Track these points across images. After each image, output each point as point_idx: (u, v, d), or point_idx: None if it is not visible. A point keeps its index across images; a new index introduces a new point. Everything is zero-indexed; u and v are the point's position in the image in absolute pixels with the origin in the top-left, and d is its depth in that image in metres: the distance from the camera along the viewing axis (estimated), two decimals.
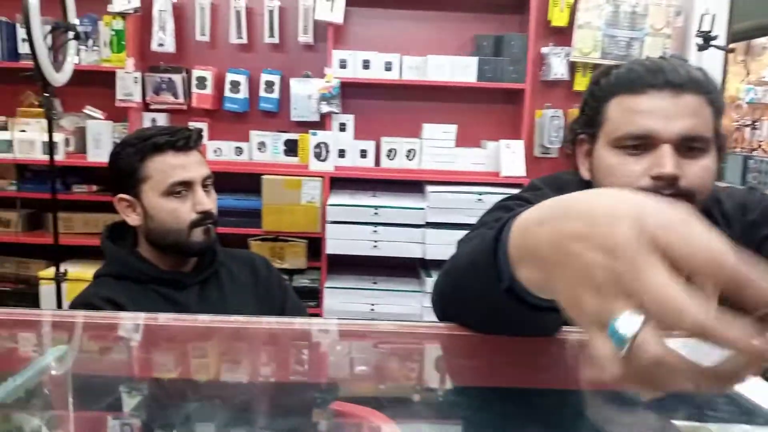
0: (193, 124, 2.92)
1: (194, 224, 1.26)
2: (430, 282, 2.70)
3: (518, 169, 2.83)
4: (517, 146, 2.88)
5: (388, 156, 2.94)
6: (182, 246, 1.28)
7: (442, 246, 2.67)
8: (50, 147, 2.36)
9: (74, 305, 1.27)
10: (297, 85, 2.96)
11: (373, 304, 2.71)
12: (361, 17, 2.99)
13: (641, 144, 0.90)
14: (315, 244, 2.81)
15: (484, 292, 0.59)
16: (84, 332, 0.85)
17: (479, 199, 2.67)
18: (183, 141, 1.26)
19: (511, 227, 0.49)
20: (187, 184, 1.26)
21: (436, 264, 2.78)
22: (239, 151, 2.97)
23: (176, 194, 1.25)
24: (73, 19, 2.49)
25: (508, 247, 0.49)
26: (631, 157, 0.91)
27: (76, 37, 2.41)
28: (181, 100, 2.96)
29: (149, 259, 1.31)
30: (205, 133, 2.97)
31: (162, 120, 2.99)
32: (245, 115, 3.04)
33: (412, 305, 2.72)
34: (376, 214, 2.66)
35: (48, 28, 2.31)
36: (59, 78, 2.37)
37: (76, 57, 2.58)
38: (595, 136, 0.97)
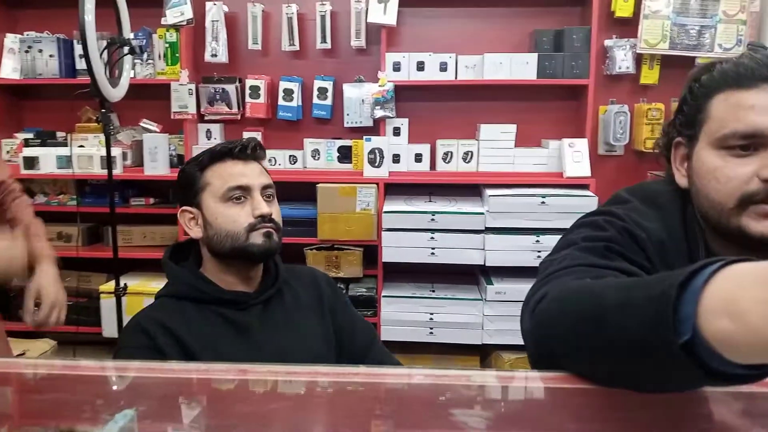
0: (247, 134, 2.93)
1: (252, 227, 1.23)
2: (491, 289, 2.59)
3: (583, 169, 2.69)
4: (581, 145, 2.73)
5: (444, 159, 2.84)
6: (241, 250, 1.23)
7: (504, 252, 2.56)
8: (108, 162, 2.37)
9: (128, 327, 1.23)
10: (350, 90, 2.91)
11: (432, 313, 2.62)
12: (414, 17, 2.91)
13: (750, 144, 0.78)
14: (371, 252, 2.74)
15: (638, 338, 0.52)
16: (146, 387, 0.75)
17: (542, 202, 2.54)
18: (240, 148, 1.25)
19: (705, 277, 0.46)
20: (246, 189, 1.24)
21: (497, 270, 2.67)
22: (293, 159, 2.94)
23: (235, 199, 1.23)
24: (128, 33, 2.51)
25: (702, 298, 0.46)
26: (738, 158, 0.79)
27: (132, 51, 2.42)
28: (235, 110, 2.95)
29: (212, 279, 1.27)
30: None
31: (216, 130, 2.99)
32: (298, 122, 3.00)
33: (472, 314, 2.61)
34: (433, 220, 2.56)
35: (104, 43, 2.33)
36: (116, 93, 2.38)
37: (131, 71, 2.59)
38: (695, 138, 0.85)
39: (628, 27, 2.86)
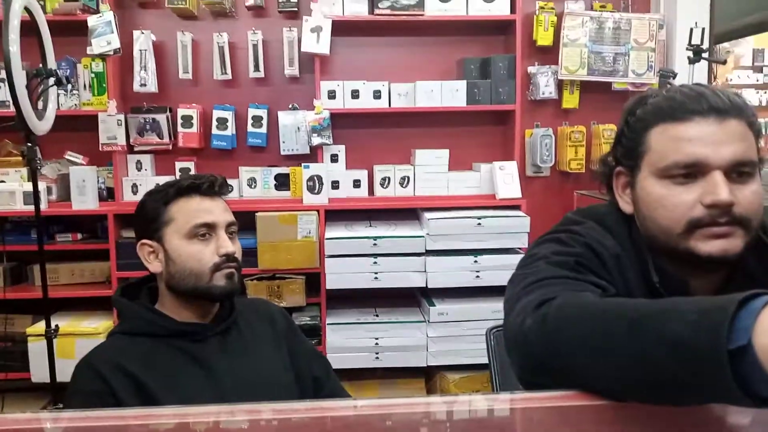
0: (180, 164, 2.88)
1: (217, 267, 1.23)
2: (433, 311, 2.64)
3: (514, 190, 2.80)
4: (511, 167, 2.86)
5: (382, 184, 2.89)
6: (203, 291, 1.23)
7: (444, 273, 2.62)
8: (35, 197, 2.26)
9: (79, 369, 1.18)
10: (285, 118, 2.91)
11: (377, 338, 2.64)
12: (347, 47, 2.96)
13: (690, 172, 0.86)
14: (313, 280, 2.74)
15: (680, 341, 0.57)
16: None
17: (479, 224, 2.63)
18: (207, 185, 1.25)
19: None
20: (211, 227, 1.24)
21: (438, 292, 2.72)
22: (230, 189, 2.89)
23: (200, 236, 1.23)
24: (52, 63, 2.42)
25: (762, 315, 0.52)
26: (680, 186, 0.87)
27: (58, 83, 2.33)
28: (166, 140, 2.88)
29: (167, 313, 1.25)
30: (193, 172, 2.90)
31: (147, 161, 2.91)
32: (233, 151, 2.97)
33: (416, 336, 2.65)
34: (375, 245, 2.59)
35: (28, 75, 2.24)
36: (42, 126, 2.28)
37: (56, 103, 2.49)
38: (636, 168, 0.93)
39: (549, 55, 3.03)
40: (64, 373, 2.42)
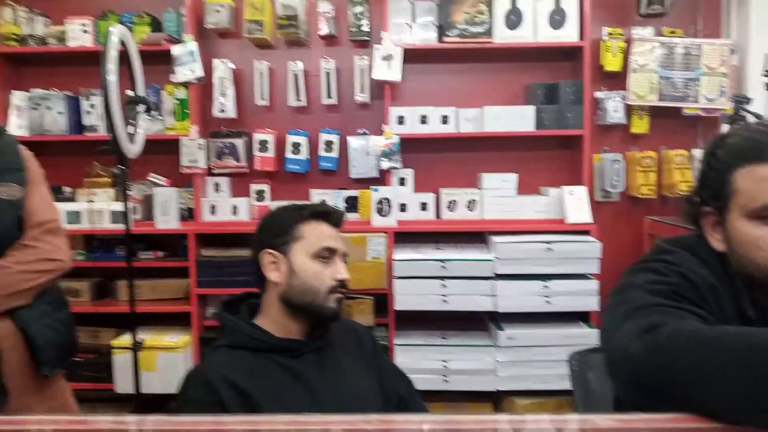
0: (255, 186, 3.00)
1: (332, 290, 1.33)
2: (502, 335, 2.65)
3: (584, 215, 2.80)
4: (581, 192, 2.85)
5: (449, 208, 2.93)
6: (316, 308, 1.32)
7: (513, 298, 2.62)
8: (125, 217, 2.40)
9: (190, 380, 1.26)
10: (355, 143, 3.00)
11: (445, 361, 2.66)
12: (415, 73, 3.04)
13: None
14: (381, 301, 2.79)
15: None
16: None
17: (548, 248, 2.63)
18: (337, 216, 1.38)
19: None
20: (333, 252, 1.34)
21: (507, 316, 2.72)
22: None
23: (322, 258, 1.33)
24: (142, 91, 2.58)
25: None
26: None
27: (148, 109, 2.48)
28: (243, 163, 3.01)
29: (267, 326, 1.34)
30: (267, 194, 3.01)
31: (225, 183, 3.04)
32: (305, 174, 3.07)
33: (485, 360, 2.66)
34: (443, 267, 2.63)
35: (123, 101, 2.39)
36: (133, 150, 2.43)
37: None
38: (725, 209, 0.95)
39: (617, 80, 3.03)
40: (147, 384, 2.55)
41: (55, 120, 2.96)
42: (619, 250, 2.95)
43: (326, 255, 1.33)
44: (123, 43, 2.44)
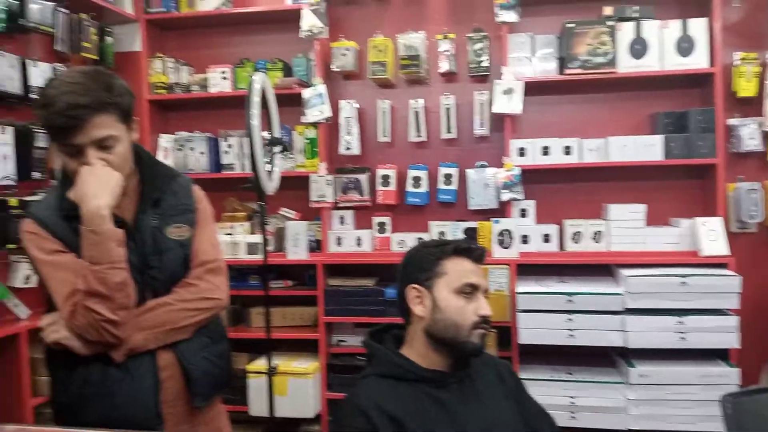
0: (377, 219, 3.10)
1: (475, 325, 1.35)
2: (633, 372, 2.55)
3: (720, 247, 2.66)
4: (715, 223, 2.72)
5: (574, 239, 2.88)
6: (460, 343, 1.35)
7: (645, 333, 2.53)
8: (264, 249, 2.58)
9: (346, 408, 1.33)
10: (473, 175, 3.04)
11: (572, 397, 2.59)
12: (535, 105, 3.04)
13: None
14: (504, 333, 2.77)
15: None
16: None
17: (682, 282, 2.52)
18: (479, 253, 1.41)
19: None
20: (475, 288, 1.38)
21: (637, 353, 2.62)
22: (420, 242, 3.06)
23: (465, 294, 1.36)
24: (278, 132, 2.77)
25: None
26: None
27: (284, 149, 2.67)
28: (366, 197, 3.14)
29: (413, 357, 1.39)
30: (388, 226, 3.11)
31: (349, 216, 3.18)
32: (425, 207, 3.15)
33: (615, 398, 2.57)
34: (570, 301, 2.59)
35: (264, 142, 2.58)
36: (271, 186, 2.61)
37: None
38: None
39: (751, 106, 2.89)
40: (279, 408, 2.68)
41: (198, 159, 3.23)
42: (761, 284, 2.77)
43: (469, 291, 1.37)
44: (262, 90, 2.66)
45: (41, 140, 2.58)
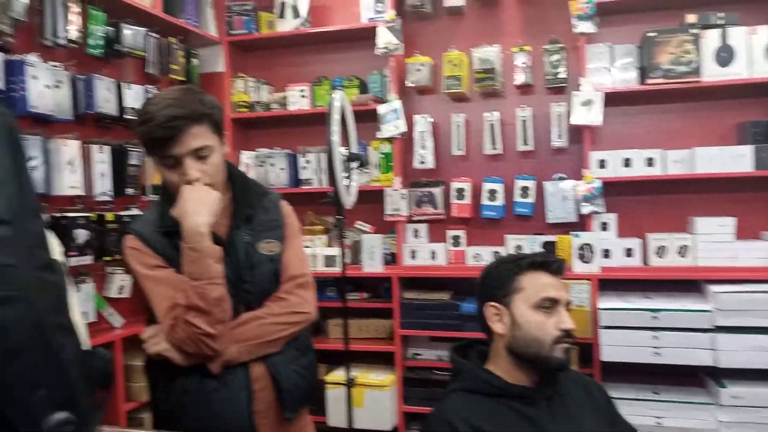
0: (451, 233, 3.10)
1: (557, 340, 1.33)
2: (725, 393, 2.43)
3: None
4: None
5: (658, 254, 2.79)
6: (542, 359, 1.33)
7: (738, 353, 2.41)
8: (342, 262, 2.62)
9: (434, 423, 1.34)
10: (551, 188, 2.99)
11: (659, 417, 2.50)
12: (615, 116, 2.98)
13: None
14: (585, 350, 2.71)
15: None
16: None
17: None
18: (556, 265, 1.38)
19: None
20: (555, 302, 1.35)
21: (728, 373, 2.50)
22: (496, 255, 3.04)
23: (544, 309, 1.34)
24: (355, 148, 2.82)
25: None
26: None
27: (362, 164, 2.71)
28: (440, 210, 3.15)
29: (498, 373, 1.37)
30: (463, 240, 3.11)
31: (423, 229, 3.19)
32: (500, 220, 3.12)
33: (705, 419, 2.46)
34: (655, 318, 2.50)
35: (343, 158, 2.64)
36: (349, 201, 2.66)
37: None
38: None
39: None
40: (358, 420, 2.71)
41: (278, 175, 3.34)
42: None
43: (548, 305, 1.34)
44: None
45: (135, 158, 2.73)
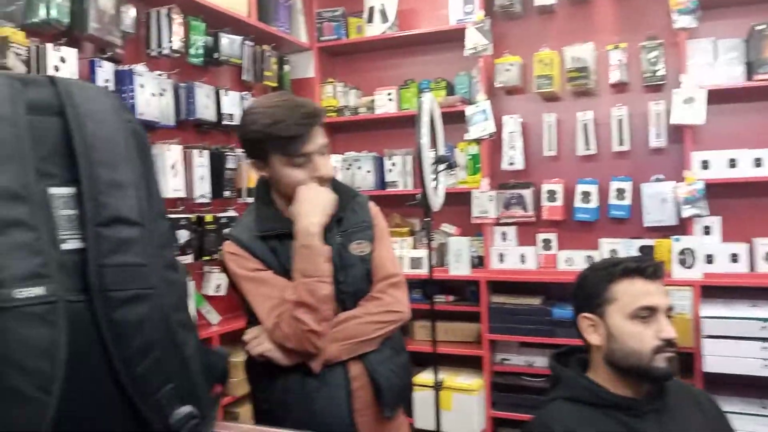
0: (541, 236, 3.03)
1: (658, 350, 1.25)
2: None
3: None
4: None
5: (766, 259, 2.61)
6: (643, 370, 1.27)
7: None
8: (429, 264, 2.62)
9: (538, 428, 1.31)
10: (649, 190, 2.87)
11: None
12: (719, 114, 2.81)
13: None
14: (686, 360, 2.57)
15: None
16: None
17: None
18: (652, 269, 1.29)
19: None
20: (652, 310, 1.27)
21: None
22: (590, 260, 2.94)
23: (641, 318, 1.26)
24: (443, 150, 2.82)
25: None
26: None
27: (450, 166, 2.70)
28: (530, 212, 3.08)
29: (602, 383, 1.32)
30: (554, 243, 3.03)
31: (512, 232, 3.14)
32: (594, 223, 3.02)
33: None
34: (764, 327, 2.34)
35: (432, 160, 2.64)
36: (437, 203, 2.66)
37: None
38: None
39: None
40: (445, 423, 2.70)
41: (365, 177, 3.38)
42: None
43: (645, 314, 1.25)
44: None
45: (231, 162, 2.84)
